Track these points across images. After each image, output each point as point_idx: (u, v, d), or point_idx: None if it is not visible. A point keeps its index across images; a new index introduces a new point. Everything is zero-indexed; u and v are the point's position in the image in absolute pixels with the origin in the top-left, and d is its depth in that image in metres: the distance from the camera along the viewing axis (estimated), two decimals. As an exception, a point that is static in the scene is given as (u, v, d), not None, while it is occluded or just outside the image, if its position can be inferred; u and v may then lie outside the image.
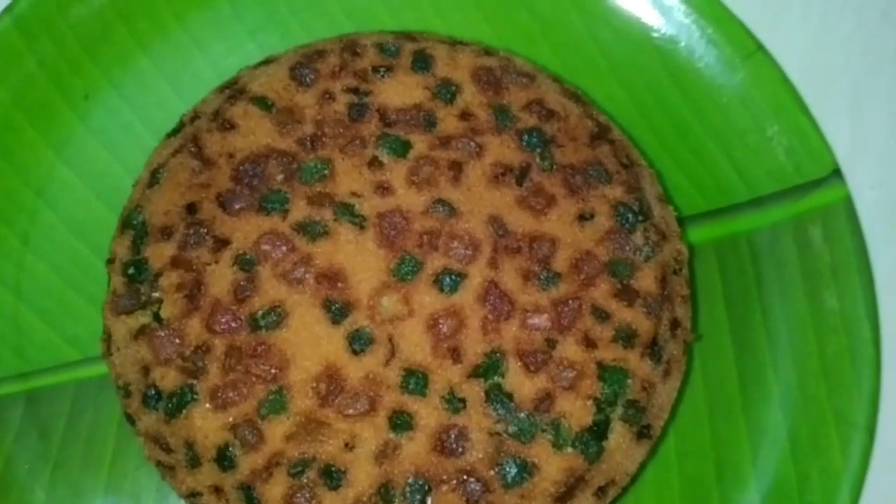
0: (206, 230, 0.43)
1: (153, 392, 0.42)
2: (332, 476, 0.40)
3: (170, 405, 0.42)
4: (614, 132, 0.48)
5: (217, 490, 0.41)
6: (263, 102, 0.45)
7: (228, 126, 0.45)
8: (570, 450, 0.42)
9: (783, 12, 0.58)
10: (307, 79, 0.46)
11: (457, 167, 0.44)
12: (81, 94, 0.51)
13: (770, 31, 0.53)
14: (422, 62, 0.46)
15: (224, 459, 0.41)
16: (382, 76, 0.46)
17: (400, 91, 0.46)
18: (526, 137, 0.45)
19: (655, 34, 0.53)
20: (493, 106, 0.46)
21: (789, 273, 0.50)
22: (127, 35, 0.52)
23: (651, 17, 0.53)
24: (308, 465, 0.41)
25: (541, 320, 0.43)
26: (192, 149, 0.44)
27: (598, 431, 0.42)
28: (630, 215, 0.45)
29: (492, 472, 0.41)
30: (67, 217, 0.50)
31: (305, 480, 0.40)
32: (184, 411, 0.41)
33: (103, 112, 0.51)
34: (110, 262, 0.45)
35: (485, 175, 0.44)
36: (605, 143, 0.46)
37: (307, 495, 0.40)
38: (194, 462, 0.42)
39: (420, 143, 0.45)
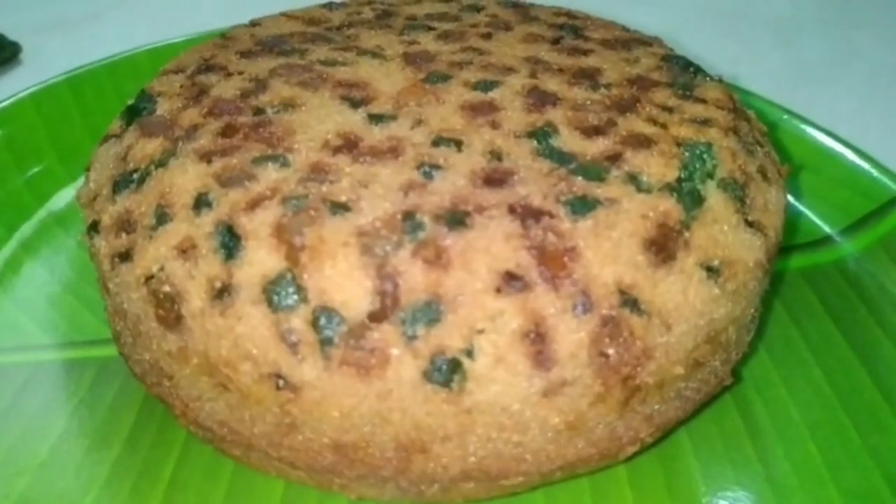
0: (219, 66, 0.39)
1: (129, 169, 0.34)
2: (340, 205, 0.30)
3: (148, 168, 0.33)
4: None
5: (184, 251, 0.31)
6: (293, 16, 0.45)
7: (255, 24, 0.44)
8: (656, 193, 0.32)
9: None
10: (334, 7, 0.46)
11: (487, 36, 0.42)
12: None
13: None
14: None
15: (202, 205, 0.31)
16: (409, 5, 0.46)
17: (427, 7, 0.46)
18: (556, 27, 0.43)
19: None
20: (520, 13, 0.45)
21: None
22: None
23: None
24: (308, 197, 0.31)
25: (595, 106, 0.36)
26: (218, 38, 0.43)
27: (690, 190, 0.33)
28: (681, 61, 0.41)
29: (552, 202, 0.31)
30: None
31: (303, 206, 0.30)
32: (160, 169, 0.33)
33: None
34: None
35: (516, 38, 0.42)
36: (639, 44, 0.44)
37: (304, 221, 0.30)
38: (162, 219, 0.32)
39: (447, 28, 0.43)
